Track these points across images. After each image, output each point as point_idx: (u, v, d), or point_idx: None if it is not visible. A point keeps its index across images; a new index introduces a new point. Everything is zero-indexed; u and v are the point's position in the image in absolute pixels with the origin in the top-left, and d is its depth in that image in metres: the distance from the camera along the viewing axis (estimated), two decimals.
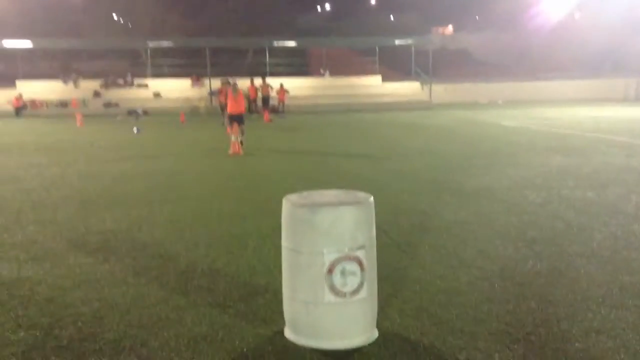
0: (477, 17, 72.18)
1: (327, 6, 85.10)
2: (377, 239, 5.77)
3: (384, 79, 37.49)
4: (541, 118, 22.40)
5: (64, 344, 3.71)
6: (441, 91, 36.68)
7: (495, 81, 40.09)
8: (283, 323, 3.84)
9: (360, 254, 3.56)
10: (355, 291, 3.56)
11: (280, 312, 3.89)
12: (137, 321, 4.04)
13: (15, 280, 4.89)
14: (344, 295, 3.54)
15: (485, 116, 24.14)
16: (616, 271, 4.82)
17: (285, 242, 3.73)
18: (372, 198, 3.74)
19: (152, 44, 39.22)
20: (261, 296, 4.46)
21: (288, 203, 3.69)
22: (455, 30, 75.41)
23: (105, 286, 4.73)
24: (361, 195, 3.81)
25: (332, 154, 13.20)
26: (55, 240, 6.14)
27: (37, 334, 3.86)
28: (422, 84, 36.52)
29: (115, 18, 57.96)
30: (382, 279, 4.64)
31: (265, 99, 27.68)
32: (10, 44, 35.32)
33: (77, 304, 4.36)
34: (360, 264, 3.56)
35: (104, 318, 4.10)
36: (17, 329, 3.94)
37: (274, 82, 30.95)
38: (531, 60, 49.79)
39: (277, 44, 39.34)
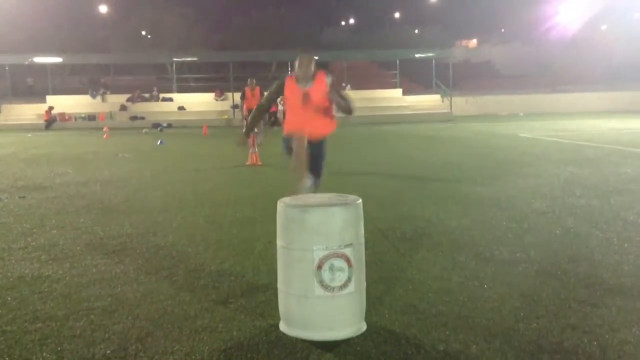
0: (502, 30, 72.27)
1: (352, 20, 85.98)
2: (378, 243, 6.09)
3: (405, 92, 37.64)
4: (560, 130, 22.39)
5: (77, 334, 4.05)
6: (462, 103, 36.74)
7: (517, 93, 39.99)
8: (279, 317, 4.12)
9: (347, 251, 3.83)
10: (343, 286, 3.84)
11: (278, 308, 4.17)
12: (145, 315, 4.36)
13: (36, 278, 5.27)
14: (332, 289, 3.82)
15: (504, 128, 24.20)
16: (604, 274, 5.01)
17: (279, 241, 4.04)
18: (360, 200, 4.02)
19: (177, 59, 40.13)
20: (262, 293, 4.76)
21: (281, 204, 4.00)
22: (479, 43, 75.57)
23: (118, 284, 5.07)
24: (350, 197, 4.09)
25: (347, 164, 13.46)
26: (75, 243, 6.53)
27: (53, 325, 4.21)
28: (442, 96, 36.68)
29: (143, 34, 59.41)
30: (377, 279, 4.93)
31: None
32: (41, 59, 36.49)
33: (91, 300, 4.70)
34: (348, 260, 3.83)
35: (114, 312, 4.43)
36: (35, 320, 4.29)
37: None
38: (553, 72, 49.56)
39: None
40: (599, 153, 14.20)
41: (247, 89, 18.30)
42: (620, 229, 6.54)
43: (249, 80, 18.31)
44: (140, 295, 4.78)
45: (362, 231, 4.01)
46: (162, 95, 36.59)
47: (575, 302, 4.37)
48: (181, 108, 34.90)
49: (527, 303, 4.38)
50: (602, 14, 48.75)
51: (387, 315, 4.22)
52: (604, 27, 53.87)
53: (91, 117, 33.04)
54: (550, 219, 7.18)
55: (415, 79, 44.00)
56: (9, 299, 4.75)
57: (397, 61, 39.92)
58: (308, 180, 6.11)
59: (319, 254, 3.78)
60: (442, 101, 36.60)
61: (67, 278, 5.26)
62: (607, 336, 3.78)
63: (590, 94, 39.03)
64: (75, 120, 32.88)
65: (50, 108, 32.25)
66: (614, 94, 38.51)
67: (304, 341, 3.83)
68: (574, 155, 13.94)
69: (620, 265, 5.26)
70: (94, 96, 35.80)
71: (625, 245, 5.89)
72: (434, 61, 38.15)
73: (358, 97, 37.05)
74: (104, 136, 23.86)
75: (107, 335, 4.01)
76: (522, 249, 5.84)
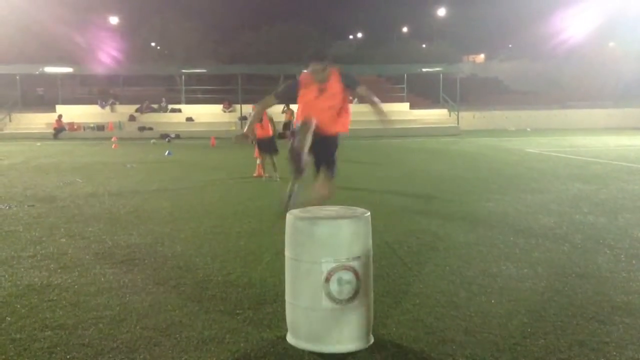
0: (510, 45, 72.44)
1: (359, 34, 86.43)
2: (385, 256, 6.10)
3: (412, 106, 37.76)
4: (568, 146, 22.37)
5: (85, 342, 4.07)
6: (470, 118, 36.80)
7: (524, 109, 40.02)
8: (287, 329, 4.14)
9: (355, 264, 3.85)
10: (351, 299, 3.85)
11: (285, 319, 4.18)
12: (153, 325, 4.38)
13: (45, 287, 5.31)
14: (340, 302, 3.83)
15: (511, 143, 24.19)
16: (612, 291, 5.00)
17: (287, 253, 4.06)
18: (368, 213, 4.04)
19: (186, 71, 40.42)
20: (269, 305, 4.78)
21: (290, 216, 4.02)
22: (487, 58, 75.79)
23: (127, 293, 5.10)
24: (359, 210, 4.12)
25: (354, 178, 13.49)
26: (84, 252, 6.57)
27: (62, 333, 4.23)
28: (449, 111, 36.74)
29: (153, 45, 59.90)
30: (384, 293, 4.94)
31: (287, 124, 28.07)
32: (52, 69, 36.86)
33: (99, 309, 4.73)
34: (356, 273, 3.85)
35: (122, 321, 4.46)
36: (44, 328, 4.32)
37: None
38: (561, 88, 49.56)
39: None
40: (606, 169, 14.18)
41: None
42: (628, 246, 6.53)
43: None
44: (148, 305, 4.81)
45: (371, 244, 4.03)
46: (170, 106, 36.83)
47: (582, 319, 4.37)
48: (189, 119, 35.10)
49: (535, 319, 4.37)
50: (610, 31, 48.82)
51: (394, 329, 4.22)
52: (611, 44, 53.94)
53: (100, 127, 33.25)
54: (557, 235, 7.17)
55: (423, 94, 44.10)
56: (18, 307, 4.79)
57: (405, 75, 40.09)
58: (297, 184, 6.12)
59: (327, 266, 3.80)
60: (449, 116, 36.64)
61: (76, 287, 5.29)
62: (614, 353, 3.77)
63: (598, 110, 39.01)
64: (84, 130, 33.10)
65: (60, 117, 32.50)
66: (622, 110, 38.49)
67: (311, 353, 3.84)
68: (581, 171, 13.91)
69: (628, 282, 5.24)
70: (103, 106, 36.08)
71: (634, 262, 5.88)
72: (441, 76, 38.26)
73: (365, 110, 37.18)
74: (113, 146, 24.01)
75: (115, 344, 4.04)
76: (529, 264, 5.84)
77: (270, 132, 12.85)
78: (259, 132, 12.79)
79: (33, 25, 45.39)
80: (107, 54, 46.40)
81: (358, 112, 37.86)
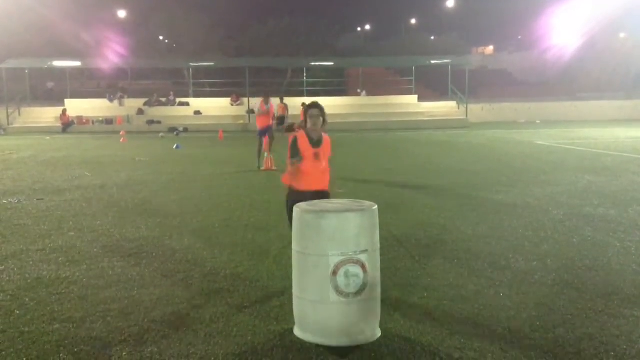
0: (519, 37, 71.91)
1: (368, 27, 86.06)
2: (393, 249, 6.08)
3: (421, 99, 37.58)
4: (577, 138, 22.19)
5: (93, 335, 4.09)
6: (479, 110, 36.60)
7: (534, 101, 39.74)
8: (294, 322, 4.13)
9: (363, 257, 3.83)
10: (359, 292, 3.83)
11: (292, 313, 4.17)
12: (161, 318, 4.39)
13: (54, 280, 5.33)
14: (347, 295, 3.82)
15: (520, 135, 24.03)
16: (622, 284, 4.95)
17: (295, 246, 4.05)
18: (375, 206, 4.01)
19: (194, 64, 40.41)
20: (277, 298, 4.77)
21: (298, 209, 4.01)
22: (496, 50, 75.27)
23: (135, 287, 5.11)
24: (366, 203, 4.09)
25: (362, 171, 13.46)
26: (92, 245, 6.59)
27: (70, 326, 4.25)
28: (458, 103, 36.55)
29: (161, 39, 59.92)
30: (392, 286, 4.92)
31: (281, 118, 27.96)
32: (61, 63, 36.97)
33: (107, 302, 4.75)
34: (363, 267, 3.83)
35: (130, 314, 4.47)
36: (53, 321, 4.34)
37: (311, 100, 31.59)
38: (571, 80, 49.17)
39: (315, 64, 40.03)
40: (617, 161, 14.05)
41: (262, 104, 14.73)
42: (638, 239, 6.47)
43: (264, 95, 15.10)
44: (156, 298, 4.82)
45: (378, 237, 4.01)
46: (178, 100, 36.86)
47: (592, 312, 4.33)
48: (197, 113, 35.11)
49: (544, 312, 4.34)
50: (621, 22, 48.30)
51: (401, 322, 4.21)
52: (622, 34, 53.39)
53: (109, 121, 33.34)
54: (567, 227, 7.12)
55: (431, 86, 43.89)
56: (27, 300, 4.81)
57: (413, 68, 39.88)
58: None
59: (334, 259, 3.78)
60: (458, 108, 36.44)
61: (84, 280, 5.31)
62: (624, 347, 3.74)
63: (608, 102, 38.69)
64: (93, 123, 33.20)
65: (64, 111, 32.57)
66: (633, 102, 38.14)
67: (318, 346, 3.83)
68: (591, 163, 13.80)
69: (638, 275, 5.20)
70: (111, 100, 36.16)
71: None
72: (450, 68, 38.02)
73: (374, 103, 37.10)
74: (121, 140, 24.07)
75: (123, 337, 4.05)
76: (538, 257, 5.80)
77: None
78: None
79: (39, 20, 45.44)
80: (114, 49, 46.40)
81: (366, 104, 37.91)
